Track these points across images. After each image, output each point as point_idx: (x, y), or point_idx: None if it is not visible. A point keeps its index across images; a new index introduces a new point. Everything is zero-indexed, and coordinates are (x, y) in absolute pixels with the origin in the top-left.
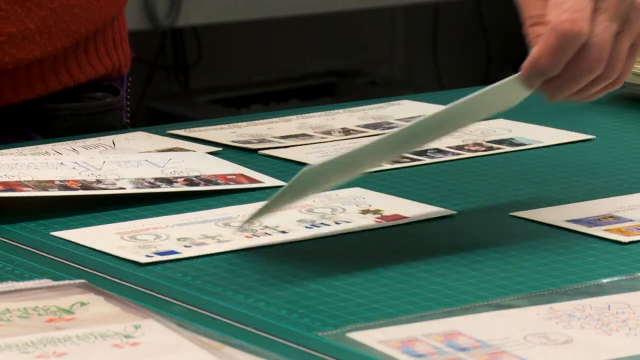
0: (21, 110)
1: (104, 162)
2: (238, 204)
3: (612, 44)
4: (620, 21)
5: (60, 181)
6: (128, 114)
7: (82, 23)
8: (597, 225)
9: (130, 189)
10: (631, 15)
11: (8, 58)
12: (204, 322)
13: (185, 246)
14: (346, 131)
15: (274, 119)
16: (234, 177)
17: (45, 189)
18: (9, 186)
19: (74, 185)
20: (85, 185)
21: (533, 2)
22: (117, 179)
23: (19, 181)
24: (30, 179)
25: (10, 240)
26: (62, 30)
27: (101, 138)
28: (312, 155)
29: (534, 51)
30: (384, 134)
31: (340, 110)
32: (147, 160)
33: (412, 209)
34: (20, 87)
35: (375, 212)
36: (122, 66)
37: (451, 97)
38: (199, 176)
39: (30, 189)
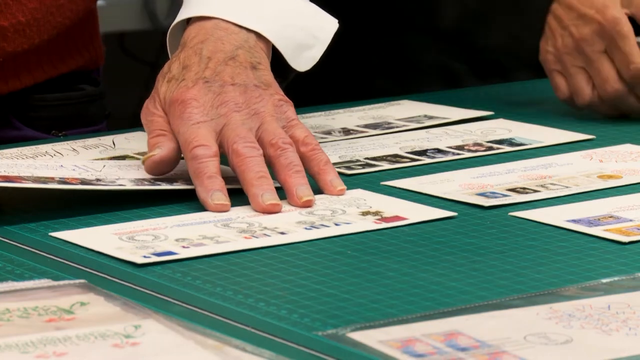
0: (7, 101)
1: (104, 166)
2: (238, 205)
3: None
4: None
5: (60, 178)
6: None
7: (66, 14)
8: (597, 225)
9: (130, 186)
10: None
11: None
12: (204, 322)
13: (183, 247)
14: (346, 131)
15: None
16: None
17: (44, 182)
18: (8, 179)
19: (74, 182)
20: (84, 182)
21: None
22: (117, 179)
23: (19, 176)
24: (29, 175)
25: (10, 240)
26: (49, 22)
27: (101, 138)
28: None
29: None
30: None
31: (340, 110)
32: None
33: (412, 211)
34: (9, 78)
35: (376, 213)
36: (98, 58)
37: (451, 97)
38: None
39: (30, 182)
